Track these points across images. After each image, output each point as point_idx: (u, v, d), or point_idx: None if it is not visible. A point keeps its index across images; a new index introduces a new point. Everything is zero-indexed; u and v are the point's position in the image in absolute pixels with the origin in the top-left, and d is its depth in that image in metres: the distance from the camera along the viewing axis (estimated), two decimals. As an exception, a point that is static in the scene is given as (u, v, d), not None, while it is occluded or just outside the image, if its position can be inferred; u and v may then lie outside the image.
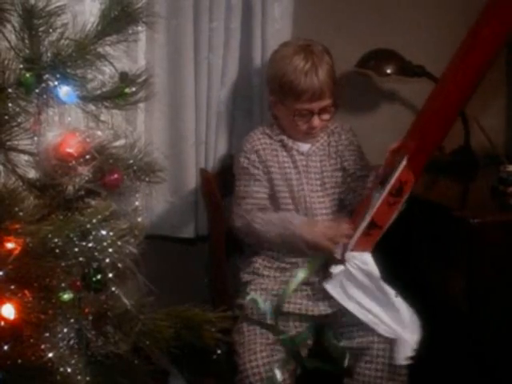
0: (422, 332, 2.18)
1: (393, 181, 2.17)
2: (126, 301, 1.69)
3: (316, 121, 2.36)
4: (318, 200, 2.41)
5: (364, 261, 2.22)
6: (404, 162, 2.17)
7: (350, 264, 2.22)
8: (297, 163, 2.41)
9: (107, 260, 1.60)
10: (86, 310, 1.71)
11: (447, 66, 2.25)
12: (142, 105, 2.39)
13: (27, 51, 1.73)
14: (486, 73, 2.24)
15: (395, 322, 2.19)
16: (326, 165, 2.43)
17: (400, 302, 2.20)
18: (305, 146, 2.43)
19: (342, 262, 2.24)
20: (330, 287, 2.24)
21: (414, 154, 2.18)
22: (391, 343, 2.20)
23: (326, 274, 2.27)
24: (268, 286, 2.35)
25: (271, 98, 2.44)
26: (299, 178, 2.40)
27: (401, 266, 2.54)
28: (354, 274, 2.21)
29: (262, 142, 2.43)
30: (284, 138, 2.42)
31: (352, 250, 2.24)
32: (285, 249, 2.35)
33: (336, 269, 2.24)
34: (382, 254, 2.25)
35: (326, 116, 2.38)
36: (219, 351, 1.87)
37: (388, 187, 2.18)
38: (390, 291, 2.21)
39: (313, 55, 2.35)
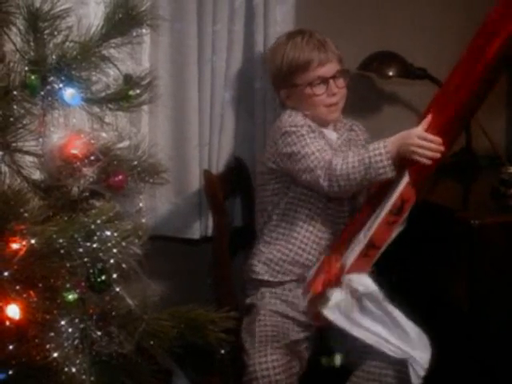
0: (432, 349, 2.14)
1: (394, 198, 2.12)
2: (130, 301, 1.70)
3: (333, 87, 2.33)
4: None
5: (363, 284, 2.17)
6: (406, 179, 2.11)
7: (349, 289, 2.17)
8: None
9: (111, 261, 1.61)
10: (91, 311, 1.71)
11: (450, 76, 2.18)
12: (146, 107, 2.38)
13: (32, 54, 1.74)
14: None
15: (404, 342, 2.14)
16: None
17: (406, 322, 2.15)
18: (332, 135, 2.39)
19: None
20: (329, 313, 2.19)
21: (417, 169, 2.12)
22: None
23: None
24: (283, 292, 2.35)
25: (282, 92, 2.39)
26: None
27: (401, 267, 2.56)
28: (354, 300, 2.16)
29: (299, 118, 2.34)
30: (310, 122, 2.34)
31: (348, 272, 2.19)
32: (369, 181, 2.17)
33: (335, 296, 2.18)
34: (382, 254, 2.25)
35: (341, 82, 2.35)
36: (223, 351, 1.87)
37: (388, 205, 2.13)
38: (395, 311, 2.15)
39: (308, 31, 2.37)
